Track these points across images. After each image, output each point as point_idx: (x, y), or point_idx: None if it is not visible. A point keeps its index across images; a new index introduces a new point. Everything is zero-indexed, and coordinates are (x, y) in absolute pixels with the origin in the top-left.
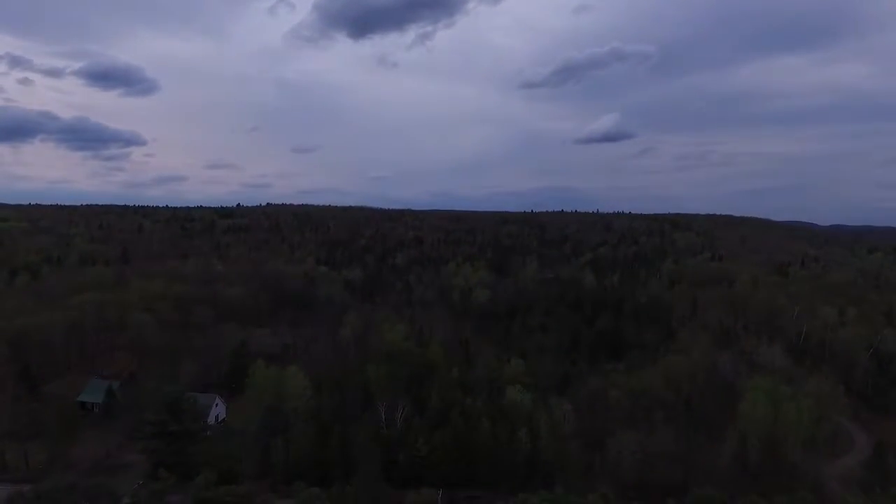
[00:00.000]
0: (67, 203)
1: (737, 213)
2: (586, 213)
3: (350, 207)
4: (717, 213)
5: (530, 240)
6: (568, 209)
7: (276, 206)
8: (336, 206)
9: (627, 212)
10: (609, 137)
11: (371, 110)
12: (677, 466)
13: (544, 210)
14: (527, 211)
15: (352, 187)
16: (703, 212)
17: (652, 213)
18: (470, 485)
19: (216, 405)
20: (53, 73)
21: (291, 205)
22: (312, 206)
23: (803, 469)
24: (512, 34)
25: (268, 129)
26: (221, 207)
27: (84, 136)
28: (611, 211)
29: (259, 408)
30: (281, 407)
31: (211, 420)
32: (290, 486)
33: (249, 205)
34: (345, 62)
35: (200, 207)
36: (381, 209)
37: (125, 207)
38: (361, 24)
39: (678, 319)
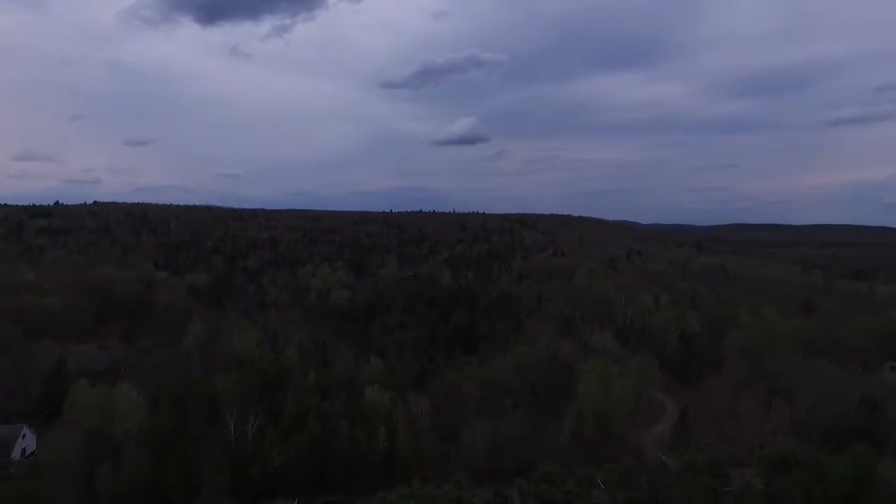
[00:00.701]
0: None
1: (575, 213)
2: (443, 213)
3: (195, 206)
4: (560, 212)
5: (389, 239)
6: (426, 209)
7: (106, 204)
8: (178, 206)
9: (481, 212)
10: (465, 140)
11: (221, 102)
12: (524, 448)
13: (403, 210)
14: (386, 211)
15: (197, 185)
16: (547, 212)
17: (503, 212)
18: (328, 489)
19: (23, 436)
20: None
21: (125, 203)
22: (150, 204)
23: (627, 438)
24: (372, 33)
25: (96, 118)
26: (34, 206)
27: None
28: (466, 211)
29: (76, 435)
30: (108, 430)
31: (16, 455)
32: None
33: (71, 203)
34: (191, 49)
35: (5, 206)
36: (230, 208)
37: None
38: (210, 10)
39: (526, 311)
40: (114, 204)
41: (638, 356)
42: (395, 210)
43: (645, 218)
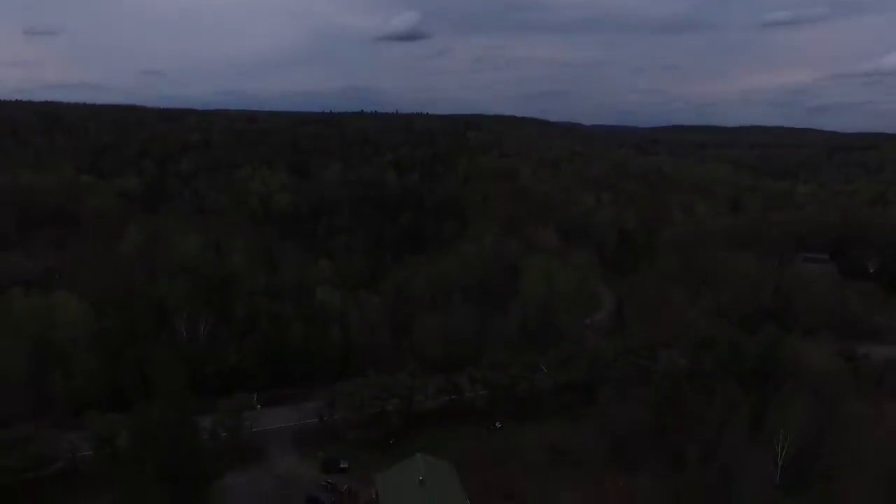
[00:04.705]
0: None
1: (519, 115)
2: (386, 114)
3: (113, 105)
4: (504, 113)
5: (330, 141)
6: (368, 109)
7: (8, 103)
8: (95, 104)
9: (425, 112)
10: (407, 37)
11: None
12: (473, 339)
13: (343, 111)
14: (325, 111)
15: (114, 82)
16: (492, 112)
17: (448, 113)
18: (285, 384)
19: None
20: None
21: (31, 102)
22: (62, 103)
23: (568, 327)
24: None
25: None
26: None
27: None
28: (410, 112)
29: (19, 343)
30: (52, 338)
31: None
32: (78, 418)
33: None
34: None
35: None
36: (155, 108)
37: None
38: None
39: (472, 212)
40: (18, 103)
41: (579, 252)
42: (336, 111)
43: (588, 119)
